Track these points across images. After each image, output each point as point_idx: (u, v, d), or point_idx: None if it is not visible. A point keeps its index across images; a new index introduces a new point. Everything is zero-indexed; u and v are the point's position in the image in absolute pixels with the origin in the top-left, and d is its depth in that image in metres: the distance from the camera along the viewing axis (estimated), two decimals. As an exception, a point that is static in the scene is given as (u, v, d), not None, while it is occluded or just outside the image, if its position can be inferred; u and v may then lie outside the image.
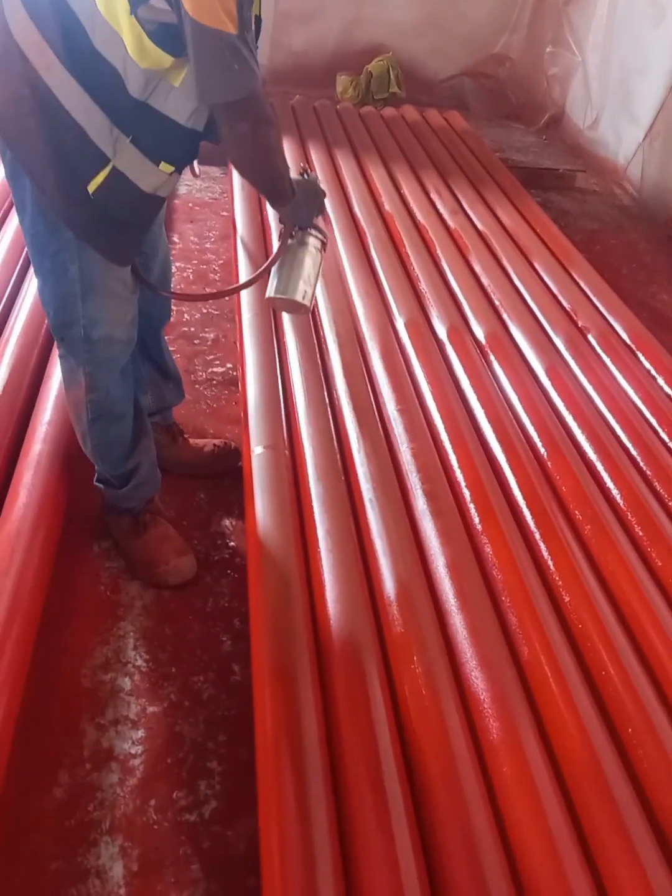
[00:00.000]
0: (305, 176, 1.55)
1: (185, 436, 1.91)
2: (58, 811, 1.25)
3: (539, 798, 1.15)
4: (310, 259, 1.56)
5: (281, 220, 1.57)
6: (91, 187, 1.22)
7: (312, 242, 1.57)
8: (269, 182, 1.43)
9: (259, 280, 1.62)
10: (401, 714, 1.26)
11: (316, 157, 3.24)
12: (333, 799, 1.14)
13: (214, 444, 1.92)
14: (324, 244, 1.60)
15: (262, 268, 1.58)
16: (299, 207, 1.51)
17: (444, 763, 1.18)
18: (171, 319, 2.32)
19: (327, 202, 1.66)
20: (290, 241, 1.55)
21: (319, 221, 1.60)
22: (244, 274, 2.35)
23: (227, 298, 2.41)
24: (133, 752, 1.34)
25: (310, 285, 1.56)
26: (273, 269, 1.57)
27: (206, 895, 1.17)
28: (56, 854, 1.20)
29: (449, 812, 1.13)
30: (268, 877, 1.06)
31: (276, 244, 1.59)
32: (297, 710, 1.22)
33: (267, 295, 1.57)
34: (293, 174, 1.49)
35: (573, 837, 1.12)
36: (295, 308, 1.60)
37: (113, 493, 1.65)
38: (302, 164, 1.61)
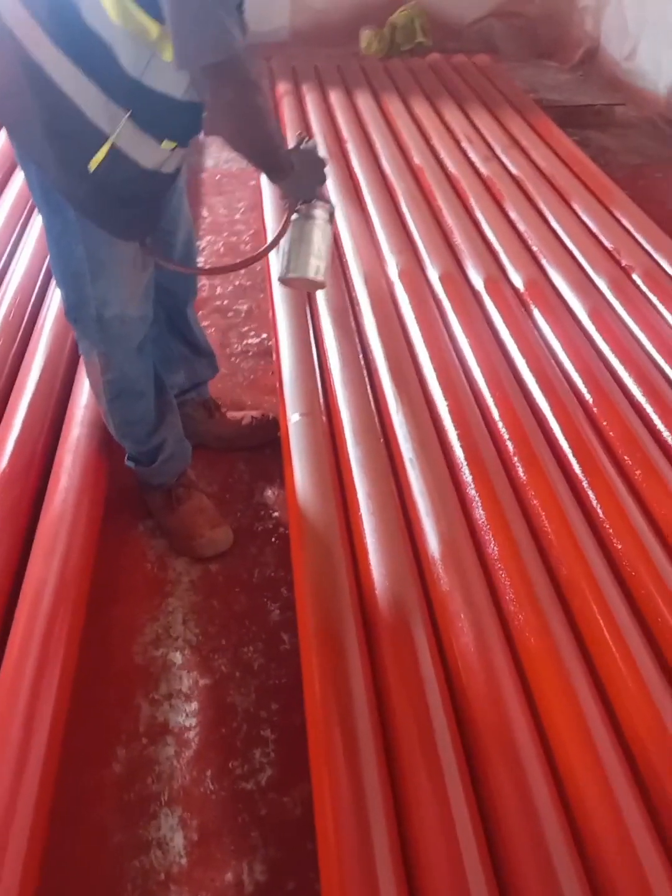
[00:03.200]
0: (303, 144, 1.44)
1: (222, 410, 1.90)
2: (117, 785, 1.27)
3: (597, 753, 1.12)
4: (319, 232, 1.46)
5: (282, 196, 1.47)
6: (91, 165, 1.20)
7: (319, 215, 1.47)
8: (262, 153, 1.34)
9: (264, 256, 1.55)
10: (450, 673, 1.24)
11: (340, 115, 3.18)
12: (385, 761, 1.13)
13: (252, 416, 1.90)
14: (331, 215, 1.49)
15: (267, 244, 1.49)
16: (300, 179, 1.41)
17: (496, 721, 1.16)
18: (203, 295, 2.33)
19: (328, 170, 1.52)
20: (295, 216, 1.45)
21: (323, 191, 1.51)
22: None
23: (257, 268, 2.39)
24: (187, 724, 1.35)
25: (322, 260, 1.47)
26: (281, 248, 1.48)
27: (265, 861, 1.18)
28: (117, 827, 1.22)
29: (503, 770, 1.11)
30: (323, 842, 1.06)
31: (277, 221, 1.52)
32: (346, 674, 1.21)
33: (278, 276, 1.49)
34: (290, 143, 1.41)
35: (634, 792, 1.09)
36: (309, 285, 1.51)
37: (143, 470, 1.66)
38: (299, 132, 1.50)
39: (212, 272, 1.93)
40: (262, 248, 1.52)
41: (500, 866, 1.03)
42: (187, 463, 1.70)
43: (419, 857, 1.03)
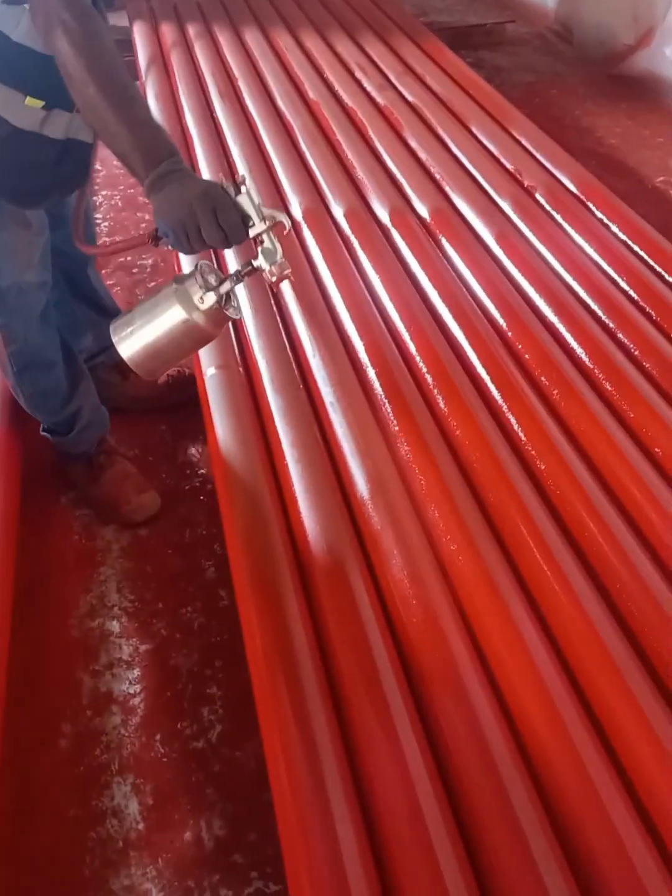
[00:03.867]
0: (225, 185, 1.05)
1: (135, 370, 1.85)
2: (66, 761, 1.26)
3: (537, 669, 1.14)
4: (166, 326, 1.08)
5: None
6: None
7: (181, 304, 1.06)
8: (98, 117, 1.02)
9: (132, 248, 1.26)
10: (388, 609, 1.25)
11: (229, 54, 3.06)
12: (332, 704, 1.13)
13: (168, 375, 1.86)
14: (211, 312, 1.08)
15: (123, 243, 1.19)
16: (160, 200, 1.02)
17: (437, 651, 1.17)
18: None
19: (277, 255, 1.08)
20: (172, 283, 1.09)
21: (230, 275, 1.09)
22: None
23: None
24: (131, 691, 1.34)
25: (157, 359, 1.12)
26: (140, 303, 1.13)
27: (223, 816, 1.19)
28: (71, 802, 1.21)
29: (449, 699, 1.12)
30: (277, 791, 1.06)
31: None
32: (285, 623, 1.21)
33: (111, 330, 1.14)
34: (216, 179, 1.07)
35: (575, 703, 1.12)
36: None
37: (61, 441, 1.61)
38: (240, 176, 1.07)
39: (106, 251, 1.64)
40: (120, 244, 1.25)
41: (454, 794, 1.05)
42: (106, 429, 1.66)
43: (374, 794, 1.04)
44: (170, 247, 1.07)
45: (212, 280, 1.10)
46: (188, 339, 1.12)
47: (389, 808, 1.02)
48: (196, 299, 1.08)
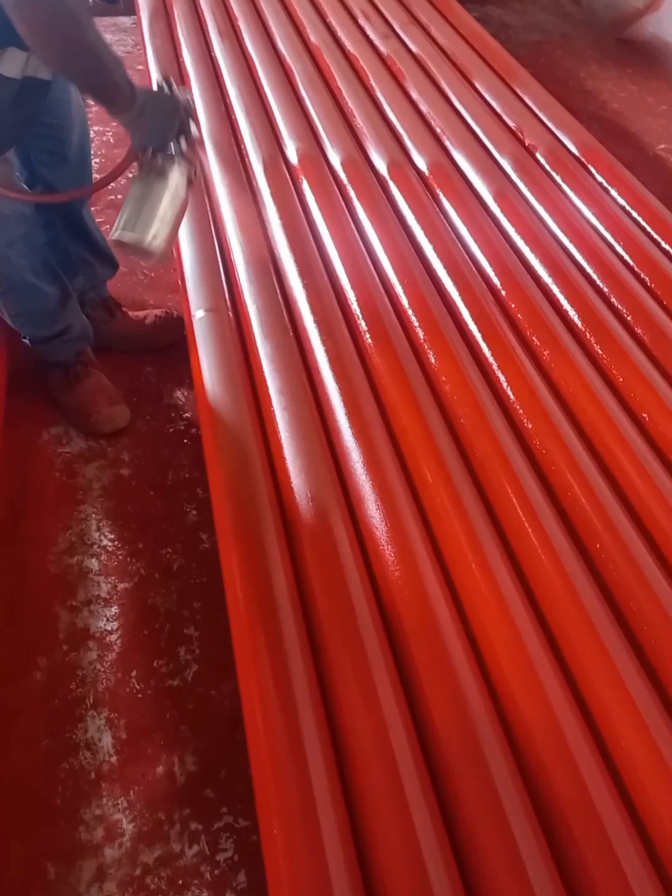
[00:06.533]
0: (165, 88, 1.23)
1: (124, 309, 1.83)
2: (41, 693, 1.26)
3: (514, 624, 1.15)
4: (168, 195, 1.24)
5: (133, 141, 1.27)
6: None
7: (174, 174, 1.24)
8: (76, 69, 1.12)
9: (104, 187, 1.32)
10: (369, 558, 1.25)
11: (231, -8, 2.97)
12: (311, 650, 1.14)
13: (156, 315, 1.84)
14: (190, 177, 1.28)
15: (103, 178, 1.28)
16: (145, 121, 1.20)
17: (417, 605, 1.17)
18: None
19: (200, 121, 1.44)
20: (145, 168, 1.23)
21: (188, 146, 1.29)
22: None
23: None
24: (109, 628, 1.34)
25: (165, 226, 1.25)
26: (126, 201, 1.27)
27: (195, 753, 1.20)
28: (44, 733, 1.21)
29: (425, 646, 1.13)
30: (251, 731, 1.07)
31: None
32: (266, 568, 1.21)
33: (111, 235, 1.27)
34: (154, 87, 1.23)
35: (551, 659, 1.13)
36: (142, 253, 1.28)
37: (42, 349, 1.63)
38: (165, 76, 1.26)
39: (64, 198, 1.64)
40: (97, 183, 1.33)
41: (428, 747, 1.06)
42: (88, 343, 1.67)
43: (347, 738, 1.05)
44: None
45: (178, 161, 1.28)
46: (183, 207, 1.32)
47: (362, 752, 1.03)
48: (184, 173, 1.28)
